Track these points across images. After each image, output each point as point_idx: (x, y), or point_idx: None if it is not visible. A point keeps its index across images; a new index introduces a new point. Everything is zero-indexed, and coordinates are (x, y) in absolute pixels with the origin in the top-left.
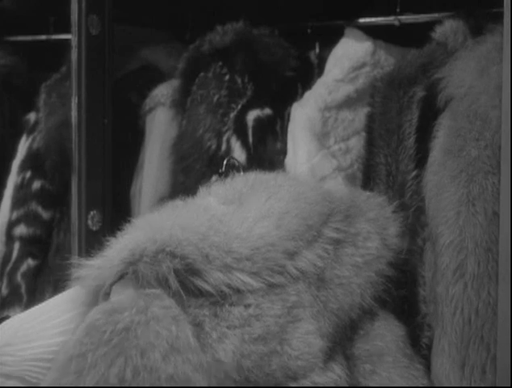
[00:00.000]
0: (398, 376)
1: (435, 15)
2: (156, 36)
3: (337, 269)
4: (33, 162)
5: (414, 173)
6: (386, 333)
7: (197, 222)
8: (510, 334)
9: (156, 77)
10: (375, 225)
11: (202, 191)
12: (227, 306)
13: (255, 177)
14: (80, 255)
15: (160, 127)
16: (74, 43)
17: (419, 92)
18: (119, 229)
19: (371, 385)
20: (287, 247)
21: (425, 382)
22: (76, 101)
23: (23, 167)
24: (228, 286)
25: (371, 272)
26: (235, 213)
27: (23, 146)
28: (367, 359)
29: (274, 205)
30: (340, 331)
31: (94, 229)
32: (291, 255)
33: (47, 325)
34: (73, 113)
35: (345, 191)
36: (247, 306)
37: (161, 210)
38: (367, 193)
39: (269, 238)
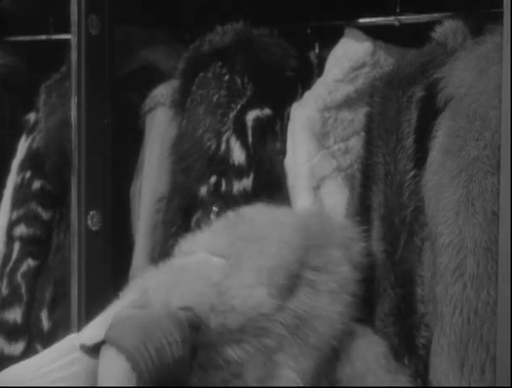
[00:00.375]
0: None
1: (435, 15)
2: (156, 36)
3: (315, 300)
4: (33, 161)
5: (413, 173)
6: (366, 353)
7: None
8: (510, 334)
9: (156, 77)
10: (343, 249)
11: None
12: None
13: (241, 226)
14: (80, 255)
15: (160, 127)
16: (74, 43)
17: (418, 92)
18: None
19: None
20: (275, 310)
21: None
22: (75, 101)
23: (22, 167)
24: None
25: (346, 294)
26: (231, 278)
27: (22, 146)
28: (350, 382)
29: (265, 264)
30: (322, 361)
31: (94, 229)
32: (279, 312)
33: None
34: (73, 113)
35: (316, 220)
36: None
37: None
38: (332, 218)
39: (261, 309)
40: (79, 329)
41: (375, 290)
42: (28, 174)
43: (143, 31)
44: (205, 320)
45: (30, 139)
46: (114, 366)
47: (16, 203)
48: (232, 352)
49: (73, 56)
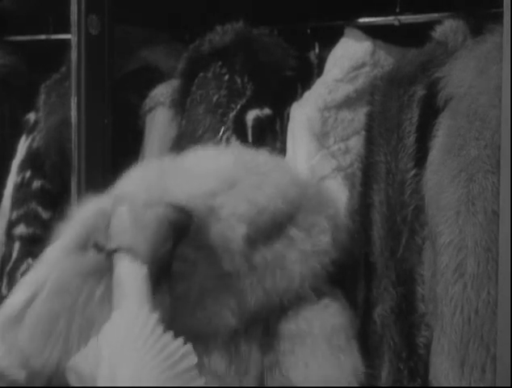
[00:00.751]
0: (316, 363)
1: (435, 15)
2: (155, 37)
3: (287, 253)
4: (33, 161)
5: (413, 171)
6: (315, 319)
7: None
8: (510, 333)
9: (155, 77)
10: (332, 223)
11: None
12: None
13: (248, 155)
14: None
15: (159, 127)
16: (74, 43)
17: (419, 91)
18: None
19: (285, 364)
20: (248, 246)
21: (343, 377)
22: (75, 101)
23: (22, 167)
24: None
25: (316, 263)
26: (226, 197)
27: (22, 146)
28: (288, 338)
29: (257, 201)
30: (265, 310)
31: None
32: (250, 249)
33: None
34: (73, 113)
35: (316, 189)
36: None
37: None
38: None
39: (233, 245)
40: None
41: (375, 288)
42: (28, 173)
43: (143, 31)
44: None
45: (30, 139)
46: (127, 269)
47: (16, 203)
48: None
49: (73, 56)
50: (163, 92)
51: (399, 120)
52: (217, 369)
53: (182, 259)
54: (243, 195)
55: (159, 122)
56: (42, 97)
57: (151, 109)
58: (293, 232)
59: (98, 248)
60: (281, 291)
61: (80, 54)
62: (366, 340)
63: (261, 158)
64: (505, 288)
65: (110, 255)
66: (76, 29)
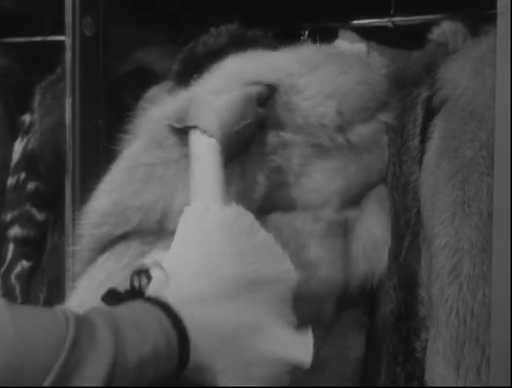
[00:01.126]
0: None
1: (429, 17)
2: (150, 38)
3: (379, 135)
4: (28, 163)
5: (417, 174)
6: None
7: None
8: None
9: (150, 78)
10: None
11: None
12: None
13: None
14: (74, 256)
15: None
16: (68, 44)
17: (423, 92)
18: None
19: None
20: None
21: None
22: (70, 102)
23: (17, 169)
24: None
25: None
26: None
27: (17, 148)
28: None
29: (345, 82)
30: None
31: None
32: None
33: None
34: (67, 114)
35: None
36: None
37: None
38: None
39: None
40: None
41: (378, 291)
42: (23, 175)
43: (137, 32)
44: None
45: (25, 140)
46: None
47: (11, 204)
48: None
49: (68, 57)
50: (157, 94)
51: (403, 121)
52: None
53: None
54: (328, 77)
55: None
56: (37, 98)
57: (146, 111)
58: (385, 117)
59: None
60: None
61: (74, 56)
62: (368, 344)
63: (342, 46)
64: (499, 290)
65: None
66: (70, 31)
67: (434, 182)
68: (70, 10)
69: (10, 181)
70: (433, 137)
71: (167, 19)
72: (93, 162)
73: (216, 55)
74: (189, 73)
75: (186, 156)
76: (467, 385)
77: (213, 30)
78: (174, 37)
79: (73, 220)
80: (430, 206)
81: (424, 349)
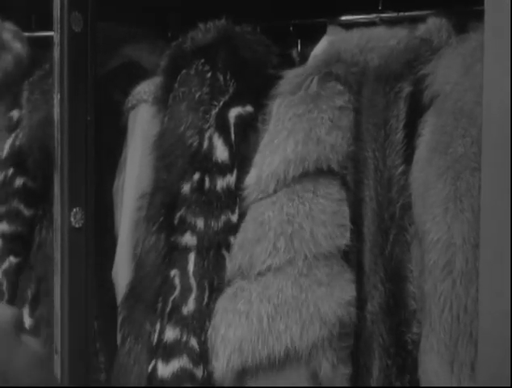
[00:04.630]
0: None
1: (416, 13)
2: (138, 33)
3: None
4: (15, 159)
5: (401, 168)
6: None
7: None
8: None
9: (138, 74)
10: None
11: None
12: None
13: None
14: (63, 252)
15: (142, 124)
16: (57, 40)
17: (406, 88)
18: (102, 226)
19: None
20: None
21: None
22: (58, 98)
23: (5, 164)
24: None
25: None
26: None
27: (5, 143)
28: None
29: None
30: None
31: (77, 226)
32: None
33: None
34: (56, 110)
35: None
36: None
37: None
38: None
39: None
40: (62, 326)
41: (365, 285)
42: (11, 171)
43: (125, 28)
44: None
45: (13, 136)
46: None
47: None
48: None
49: (56, 53)
50: (146, 89)
51: (385, 116)
52: None
53: None
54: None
55: (142, 119)
56: (25, 94)
57: (134, 106)
58: None
59: None
60: None
61: (63, 51)
62: (357, 338)
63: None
64: (486, 286)
65: None
66: (58, 26)
67: (426, 178)
68: (58, 6)
69: None
70: (423, 133)
71: (155, 15)
72: (81, 158)
73: (204, 51)
74: (177, 68)
75: None
76: (462, 382)
77: (201, 25)
78: (161, 33)
79: (62, 215)
80: (421, 202)
81: (415, 342)
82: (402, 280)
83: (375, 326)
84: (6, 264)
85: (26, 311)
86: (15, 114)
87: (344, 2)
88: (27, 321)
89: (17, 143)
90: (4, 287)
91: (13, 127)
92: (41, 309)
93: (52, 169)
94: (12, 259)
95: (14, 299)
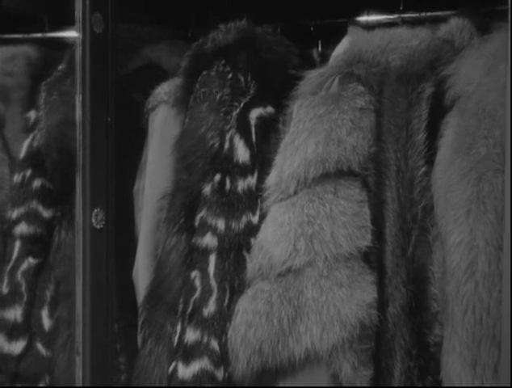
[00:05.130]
0: None
1: (438, 13)
2: (158, 34)
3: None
4: (33, 160)
5: (423, 169)
6: None
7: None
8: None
9: (158, 75)
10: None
11: None
12: None
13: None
14: (84, 253)
15: (163, 125)
16: (79, 41)
17: (428, 88)
18: (122, 227)
19: None
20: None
21: None
22: (80, 99)
23: (22, 166)
24: None
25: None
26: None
27: (23, 145)
28: None
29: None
30: None
31: (98, 227)
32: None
33: None
34: (77, 111)
35: None
36: None
37: None
38: None
39: None
40: (84, 327)
41: (387, 287)
42: (29, 172)
43: (145, 29)
44: None
45: (30, 137)
46: None
47: (17, 201)
48: None
49: (78, 54)
50: (166, 90)
51: (408, 117)
52: None
53: None
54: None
55: (162, 120)
56: (42, 95)
57: (154, 107)
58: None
59: None
60: None
61: (84, 52)
62: (378, 340)
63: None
64: (509, 288)
65: None
66: (80, 27)
67: (448, 179)
68: (80, 7)
69: (16, 178)
70: (446, 134)
71: (175, 16)
72: (102, 159)
73: (224, 51)
74: (198, 69)
75: None
76: (484, 384)
77: (222, 26)
78: (181, 33)
79: (83, 216)
80: (443, 203)
81: (437, 344)
82: (424, 281)
83: (396, 328)
84: (24, 265)
85: (45, 313)
86: (32, 115)
87: (365, 3)
88: (46, 322)
89: (35, 144)
90: (23, 288)
91: (30, 128)
92: (60, 311)
93: (71, 170)
94: (31, 260)
95: (33, 300)
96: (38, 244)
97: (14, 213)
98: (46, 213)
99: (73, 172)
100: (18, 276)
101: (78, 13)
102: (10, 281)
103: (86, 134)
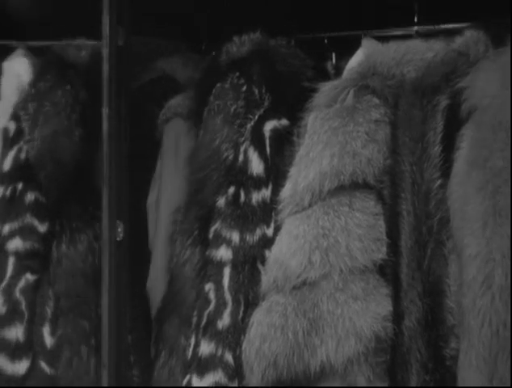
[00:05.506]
0: None
1: (453, 26)
2: (172, 47)
3: None
4: (23, 173)
5: (439, 182)
6: None
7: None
8: None
9: (172, 87)
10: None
11: None
12: None
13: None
14: (110, 265)
15: (177, 137)
16: (106, 54)
17: (443, 101)
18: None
19: None
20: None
21: None
22: (107, 112)
23: (11, 179)
24: None
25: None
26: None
27: (7, 157)
28: None
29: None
30: None
31: (118, 239)
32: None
33: None
34: (104, 124)
35: None
36: None
37: None
38: None
39: None
40: (110, 339)
41: (403, 300)
42: (20, 186)
43: (159, 41)
44: None
45: (16, 149)
46: None
47: (8, 216)
48: None
49: (105, 67)
50: (180, 102)
51: (423, 129)
52: None
53: None
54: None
55: (176, 132)
56: (31, 105)
57: (168, 119)
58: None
59: None
60: None
61: (111, 65)
62: (394, 353)
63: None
64: None
65: None
66: (108, 41)
67: (464, 192)
68: (107, 20)
69: (4, 191)
70: (461, 146)
71: (188, 29)
72: (122, 171)
73: (239, 64)
74: (212, 82)
75: None
76: None
77: (236, 39)
78: (195, 46)
79: (110, 229)
80: (459, 216)
81: (454, 357)
82: (440, 294)
83: (412, 342)
84: (22, 282)
85: (46, 330)
86: (11, 126)
87: (379, 15)
88: (48, 340)
89: (22, 156)
90: (23, 306)
91: (12, 139)
92: (63, 327)
93: (66, 182)
94: (29, 277)
95: (33, 317)
96: (36, 259)
97: (6, 228)
98: (41, 227)
99: (69, 184)
100: (17, 293)
101: (105, 28)
102: (8, 299)
103: (112, 147)
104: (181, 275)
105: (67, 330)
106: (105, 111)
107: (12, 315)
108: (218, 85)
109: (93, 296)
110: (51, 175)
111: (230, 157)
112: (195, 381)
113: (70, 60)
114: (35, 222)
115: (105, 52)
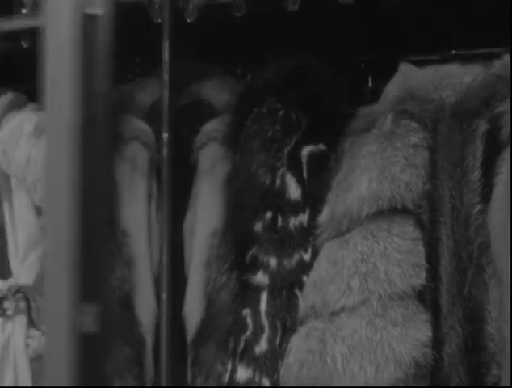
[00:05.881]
0: None
1: (492, 50)
2: (207, 71)
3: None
4: None
5: (479, 207)
6: None
7: None
8: None
9: (208, 112)
10: None
11: None
12: None
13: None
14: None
15: (212, 162)
16: (166, 82)
17: (482, 125)
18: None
19: None
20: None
21: None
22: (166, 137)
23: None
24: None
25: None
26: None
27: None
28: None
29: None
30: None
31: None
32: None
33: None
34: (165, 150)
35: None
36: None
37: None
38: None
39: None
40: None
41: (443, 326)
42: None
43: (194, 65)
44: None
45: None
46: None
47: None
48: None
49: (165, 94)
50: (216, 127)
51: (462, 154)
52: None
53: None
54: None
55: (212, 157)
56: None
57: (203, 145)
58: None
59: None
60: None
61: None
62: (434, 379)
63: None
64: None
65: None
66: (168, 70)
67: (504, 217)
68: (167, 52)
69: None
70: (501, 171)
71: (223, 52)
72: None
73: (275, 88)
74: (248, 106)
75: None
76: None
77: (273, 63)
78: (230, 70)
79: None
80: (500, 241)
81: (495, 384)
82: (481, 321)
83: (452, 368)
84: None
85: None
86: None
87: (416, 40)
88: None
89: None
90: None
91: None
92: None
93: None
94: None
95: None
96: None
97: None
98: None
99: None
100: None
101: (165, 57)
102: None
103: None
104: (217, 300)
105: None
106: (165, 136)
107: None
108: (255, 110)
109: None
110: None
111: (267, 181)
112: None
113: None
114: None
115: (165, 79)
